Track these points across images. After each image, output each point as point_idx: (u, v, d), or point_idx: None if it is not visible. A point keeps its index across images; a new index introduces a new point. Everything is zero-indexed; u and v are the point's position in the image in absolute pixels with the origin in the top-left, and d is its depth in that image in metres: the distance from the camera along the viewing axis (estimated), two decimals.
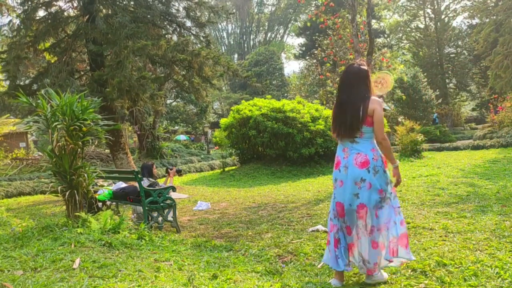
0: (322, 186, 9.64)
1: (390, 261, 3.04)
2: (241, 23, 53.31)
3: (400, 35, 41.23)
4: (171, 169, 7.17)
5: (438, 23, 36.88)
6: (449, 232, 4.33)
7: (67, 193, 4.56)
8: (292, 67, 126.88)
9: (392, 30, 41.23)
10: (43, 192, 11.53)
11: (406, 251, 3.05)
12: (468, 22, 37.39)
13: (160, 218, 5.62)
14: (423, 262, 3.41)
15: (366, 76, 3.12)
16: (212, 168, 17.26)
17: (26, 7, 10.01)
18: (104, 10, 10.50)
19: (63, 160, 4.61)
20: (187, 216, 6.90)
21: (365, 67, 3.16)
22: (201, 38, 11.53)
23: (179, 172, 7.60)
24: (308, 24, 22.45)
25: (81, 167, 4.73)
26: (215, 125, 31.64)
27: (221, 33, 54.52)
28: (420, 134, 14.81)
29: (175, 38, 11.31)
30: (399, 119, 28.86)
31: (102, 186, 6.30)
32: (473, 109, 42.14)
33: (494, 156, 12.62)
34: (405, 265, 3.38)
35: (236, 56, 53.29)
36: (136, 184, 5.64)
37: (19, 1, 10.38)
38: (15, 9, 11.43)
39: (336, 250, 3.13)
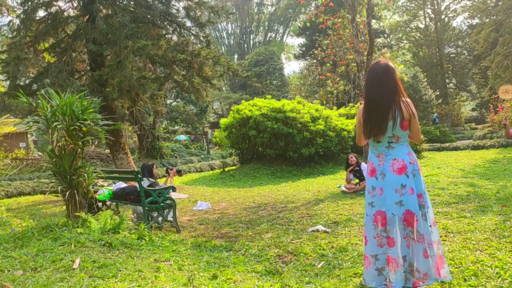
0: (322, 186, 9.64)
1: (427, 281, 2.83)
2: (241, 23, 53.32)
3: (400, 35, 41.24)
4: (171, 169, 7.16)
5: (438, 23, 36.88)
6: (449, 232, 4.33)
7: (67, 193, 4.57)
8: (292, 67, 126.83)
9: (392, 30, 41.23)
10: (43, 192, 11.52)
11: (446, 270, 2.89)
12: (468, 22, 37.41)
13: (160, 218, 5.62)
14: None
15: (394, 71, 2.92)
16: (212, 168, 17.26)
17: (26, 7, 10.01)
18: (104, 10, 10.50)
19: (63, 160, 4.61)
20: (187, 216, 6.90)
21: (391, 64, 2.97)
22: (201, 38, 11.54)
23: (179, 172, 7.60)
24: (308, 24, 22.44)
25: (81, 167, 4.73)
26: (215, 125, 31.65)
27: (221, 33, 54.54)
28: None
29: (175, 38, 11.31)
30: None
31: (102, 186, 6.31)
32: (473, 109, 42.15)
33: (494, 156, 12.62)
34: None
35: (236, 56, 53.30)
36: (136, 184, 5.64)
37: (19, 1, 10.39)
38: (15, 9, 11.43)
39: (376, 263, 2.91)
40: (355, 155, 8.49)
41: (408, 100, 2.89)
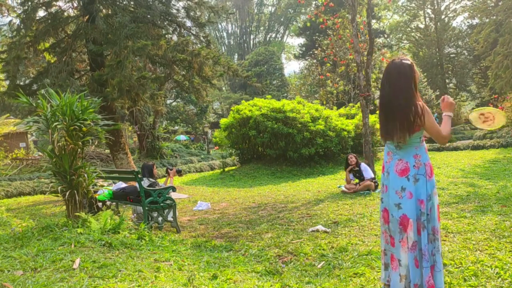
0: (322, 186, 9.64)
1: None
2: (241, 23, 53.34)
3: (400, 35, 41.26)
4: (171, 169, 7.16)
5: (438, 23, 36.89)
6: (449, 232, 4.33)
7: (67, 193, 4.57)
8: (292, 67, 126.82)
9: (392, 30, 41.25)
10: (43, 192, 11.53)
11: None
12: (468, 22, 37.40)
13: (160, 218, 5.62)
14: None
15: (409, 71, 2.74)
16: (212, 168, 17.26)
17: (26, 7, 10.01)
18: (104, 10, 10.50)
19: (63, 160, 4.61)
20: (187, 216, 6.90)
21: (408, 61, 2.79)
22: (201, 38, 11.54)
23: (179, 172, 7.58)
24: (308, 24, 22.44)
25: (81, 167, 4.73)
26: (215, 125, 31.64)
27: (221, 33, 54.58)
28: None
29: (175, 38, 11.31)
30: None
31: (102, 186, 6.30)
32: (473, 109, 42.12)
33: (494, 156, 12.61)
34: None
35: (236, 56, 53.32)
36: (136, 184, 5.64)
37: (19, 1, 10.39)
38: (15, 9, 11.43)
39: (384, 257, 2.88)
40: (355, 155, 8.49)
41: (421, 103, 2.73)
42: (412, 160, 2.77)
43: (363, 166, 8.18)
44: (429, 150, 16.92)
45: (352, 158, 8.28)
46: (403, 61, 2.79)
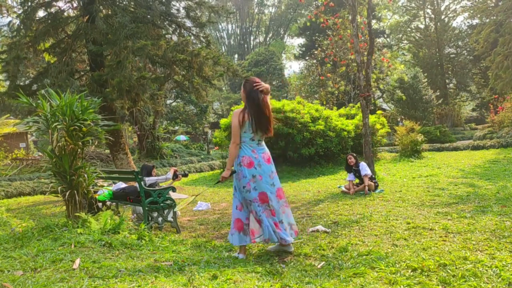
0: (322, 186, 9.64)
1: None
2: (241, 23, 53.35)
3: (400, 35, 41.27)
4: (182, 175, 6.77)
5: (438, 24, 36.91)
6: (449, 233, 4.33)
7: (67, 194, 4.57)
8: (292, 67, 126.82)
9: (392, 30, 41.27)
10: (43, 193, 11.53)
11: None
12: (468, 23, 37.43)
13: (160, 219, 5.62)
14: (423, 262, 3.40)
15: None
16: (212, 169, 17.26)
17: (26, 7, 10.01)
18: (104, 11, 10.49)
19: (63, 160, 4.61)
20: (187, 216, 6.90)
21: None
22: (201, 38, 11.53)
23: (186, 176, 7.39)
24: (308, 23, 22.42)
25: (81, 168, 4.73)
26: (215, 125, 31.63)
27: (222, 33, 54.59)
28: (420, 134, 14.81)
29: (175, 38, 11.31)
30: (399, 119, 28.90)
31: (102, 186, 6.30)
32: (473, 110, 42.15)
33: (494, 156, 12.62)
34: (405, 265, 3.38)
35: (236, 56, 53.33)
36: (136, 184, 5.64)
37: (19, 1, 10.38)
38: (15, 9, 11.43)
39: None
40: (354, 155, 8.46)
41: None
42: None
43: (361, 165, 8.14)
44: (429, 150, 16.97)
45: (351, 159, 8.26)
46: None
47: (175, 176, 6.41)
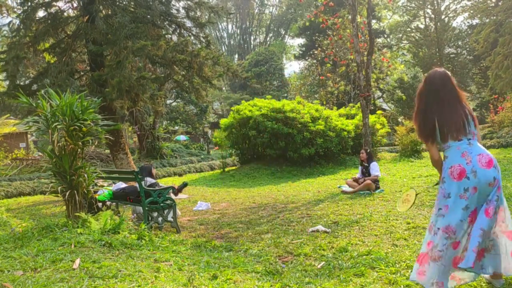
0: (322, 186, 9.64)
1: None
2: (241, 23, 53.34)
3: (400, 35, 41.25)
4: (180, 191, 6.82)
5: (438, 23, 36.89)
6: None
7: (67, 194, 4.56)
8: (292, 67, 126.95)
9: (392, 30, 41.24)
10: (43, 193, 11.52)
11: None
12: (468, 23, 37.39)
13: (160, 219, 5.61)
14: None
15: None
16: (212, 168, 17.26)
17: (26, 8, 10.01)
18: (104, 11, 10.49)
19: (63, 160, 4.61)
20: (187, 216, 6.90)
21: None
22: (201, 39, 11.54)
23: (185, 186, 7.33)
24: (307, 23, 22.41)
25: (81, 168, 4.73)
26: (215, 125, 31.63)
27: (222, 33, 54.57)
28: None
29: (175, 38, 11.31)
30: (399, 119, 28.89)
31: (102, 186, 6.30)
32: (473, 109, 41.77)
33: (494, 156, 12.60)
34: (405, 265, 3.38)
35: (236, 56, 53.31)
36: (136, 184, 5.64)
37: (19, 1, 10.39)
38: (15, 9, 11.43)
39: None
40: (367, 149, 8.29)
41: None
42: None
43: (373, 164, 8.04)
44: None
45: (363, 153, 8.17)
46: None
47: (178, 191, 6.61)
